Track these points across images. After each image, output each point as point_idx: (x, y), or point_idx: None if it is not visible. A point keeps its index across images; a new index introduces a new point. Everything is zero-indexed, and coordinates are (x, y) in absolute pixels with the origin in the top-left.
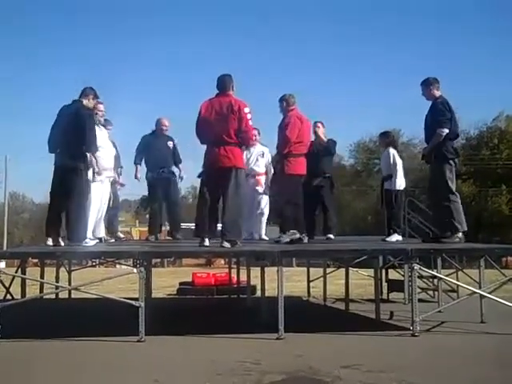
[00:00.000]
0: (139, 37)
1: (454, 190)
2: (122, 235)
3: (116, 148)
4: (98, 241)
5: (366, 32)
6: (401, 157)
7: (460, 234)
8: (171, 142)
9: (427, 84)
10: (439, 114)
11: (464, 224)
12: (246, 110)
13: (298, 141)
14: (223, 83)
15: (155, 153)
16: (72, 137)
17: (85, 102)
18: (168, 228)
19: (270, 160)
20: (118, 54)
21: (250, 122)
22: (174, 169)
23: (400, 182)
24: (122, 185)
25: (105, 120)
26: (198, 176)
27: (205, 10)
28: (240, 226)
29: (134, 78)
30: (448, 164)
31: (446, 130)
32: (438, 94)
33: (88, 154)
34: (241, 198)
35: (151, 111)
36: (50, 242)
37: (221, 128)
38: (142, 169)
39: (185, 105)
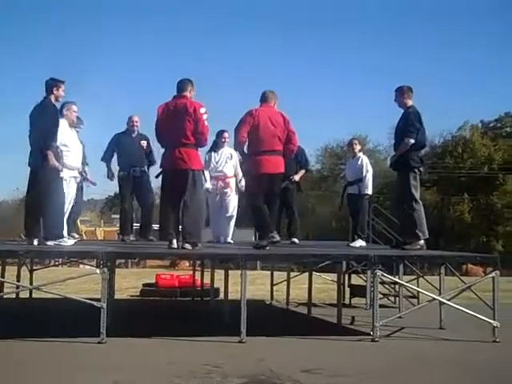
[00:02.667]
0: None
1: (417, 198)
2: (76, 235)
3: (83, 147)
4: (76, 240)
5: (342, 35)
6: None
7: (421, 242)
8: (145, 142)
9: (401, 92)
10: (408, 124)
11: (426, 232)
12: (202, 110)
13: (253, 138)
14: (181, 85)
15: (127, 151)
16: (37, 135)
17: (52, 97)
18: (138, 228)
19: (238, 162)
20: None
21: (206, 123)
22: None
23: (369, 188)
24: (93, 183)
25: (76, 118)
26: (156, 176)
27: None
28: (200, 228)
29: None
30: (413, 172)
31: (413, 140)
32: (410, 103)
33: (55, 151)
34: (200, 199)
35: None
36: (35, 241)
37: (176, 130)
38: (114, 167)
39: None
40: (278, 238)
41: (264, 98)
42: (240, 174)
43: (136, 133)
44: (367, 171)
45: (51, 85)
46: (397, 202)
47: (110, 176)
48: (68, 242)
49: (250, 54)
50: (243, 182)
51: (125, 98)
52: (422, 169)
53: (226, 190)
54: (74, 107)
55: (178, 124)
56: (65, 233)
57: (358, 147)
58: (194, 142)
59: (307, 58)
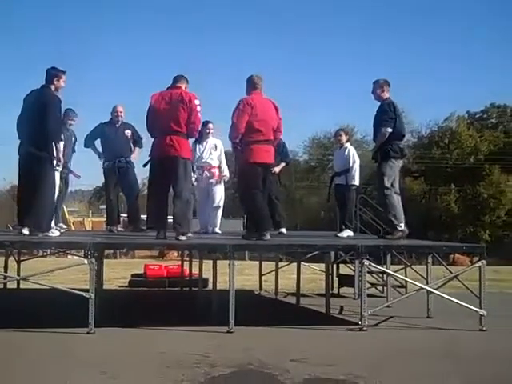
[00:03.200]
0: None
1: (388, 185)
2: (64, 226)
3: (75, 138)
4: (62, 231)
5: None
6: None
7: (402, 227)
8: (129, 131)
9: (379, 85)
10: (383, 114)
11: (401, 217)
12: (197, 101)
13: (250, 128)
14: (177, 78)
15: (111, 141)
16: (37, 124)
17: (52, 87)
18: (126, 219)
19: (223, 152)
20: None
21: (199, 115)
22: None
23: (357, 179)
24: (78, 176)
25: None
26: (144, 165)
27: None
28: (189, 218)
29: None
30: (390, 161)
31: (390, 129)
32: (386, 95)
33: (53, 143)
34: (189, 188)
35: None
36: (25, 231)
37: (170, 117)
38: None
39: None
40: (268, 237)
41: (253, 85)
42: (224, 164)
43: (120, 123)
44: (354, 162)
45: (52, 74)
46: (379, 194)
47: (101, 155)
48: (55, 233)
49: (237, 46)
50: (227, 172)
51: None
52: (400, 160)
53: (211, 180)
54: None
55: (171, 112)
56: (52, 224)
57: (344, 138)
58: (185, 131)
59: (295, 48)
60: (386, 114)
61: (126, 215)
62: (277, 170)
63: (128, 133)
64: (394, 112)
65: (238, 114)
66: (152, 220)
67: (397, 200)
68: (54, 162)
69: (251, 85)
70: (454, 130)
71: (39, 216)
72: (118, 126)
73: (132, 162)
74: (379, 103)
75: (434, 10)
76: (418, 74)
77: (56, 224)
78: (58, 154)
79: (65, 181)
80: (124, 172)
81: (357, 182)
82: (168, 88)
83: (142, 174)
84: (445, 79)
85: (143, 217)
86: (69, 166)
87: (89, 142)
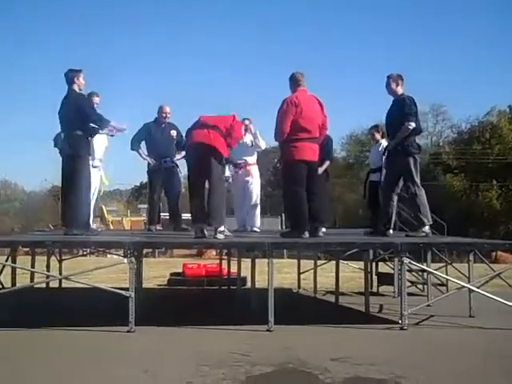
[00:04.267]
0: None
1: (419, 183)
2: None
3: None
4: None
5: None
6: None
7: (427, 228)
8: (174, 131)
9: (393, 79)
10: (407, 108)
11: (429, 216)
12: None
13: (296, 126)
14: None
15: (157, 142)
16: (70, 125)
17: (75, 87)
18: (166, 218)
19: (257, 133)
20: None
21: (242, 131)
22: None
23: None
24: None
25: (92, 93)
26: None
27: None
28: (222, 213)
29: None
30: (412, 158)
31: (413, 124)
32: (401, 90)
33: (89, 140)
34: (223, 182)
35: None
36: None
37: (215, 121)
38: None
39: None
40: (307, 236)
41: (297, 82)
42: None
43: (166, 123)
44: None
45: (71, 76)
46: (386, 189)
47: (148, 158)
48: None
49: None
50: (263, 144)
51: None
52: (417, 156)
53: (247, 178)
54: (97, 99)
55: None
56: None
57: (377, 135)
58: (225, 134)
59: (332, 45)
60: (410, 109)
61: (166, 214)
62: (320, 170)
63: (173, 133)
64: (415, 106)
65: (282, 114)
66: (197, 219)
67: (424, 197)
68: (91, 162)
69: (295, 82)
70: (494, 124)
71: (73, 216)
72: (163, 126)
73: (177, 163)
74: (394, 98)
75: (473, 8)
76: (458, 68)
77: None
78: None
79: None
80: (170, 172)
81: None
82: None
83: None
84: (485, 73)
85: (184, 216)
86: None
87: (135, 145)
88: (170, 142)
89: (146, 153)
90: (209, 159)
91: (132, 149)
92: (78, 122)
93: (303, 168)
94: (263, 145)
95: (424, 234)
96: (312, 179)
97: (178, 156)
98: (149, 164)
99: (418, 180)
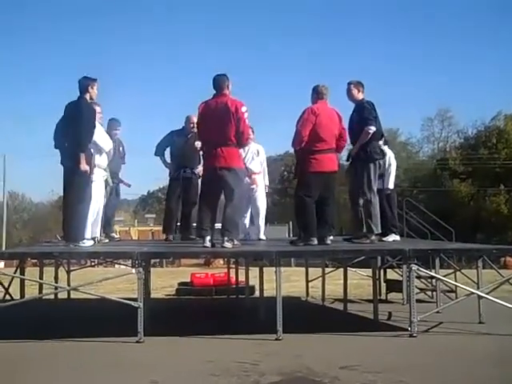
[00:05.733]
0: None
1: (375, 191)
2: (116, 235)
3: (123, 147)
4: (93, 241)
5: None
6: (399, 156)
7: (373, 237)
8: (199, 143)
9: (354, 85)
10: (366, 113)
11: (378, 225)
12: (243, 109)
13: (314, 137)
14: (218, 83)
15: (180, 151)
16: (70, 136)
17: (87, 96)
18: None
19: (265, 158)
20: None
21: (247, 121)
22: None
23: (391, 182)
24: (128, 185)
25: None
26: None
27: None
28: (238, 225)
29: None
30: (373, 164)
31: (373, 128)
32: (361, 96)
33: (87, 153)
34: (239, 197)
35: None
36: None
37: (218, 131)
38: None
39: None
40: (316, 242)
41: (320, 95)
42: (265, 172)
43: (192, 133)
44: (390, 165)
45: (85, 84)
46: (352, 195)
47: (169, 166)
48: (87, 243)
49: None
50: (267, 180)
51: None
52: (381, 161)
53: (253, 187)
54: (98, 108)
55: (219, 125)
56: (87, 234)
57: (380, 141)
58: (235, 141)
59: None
60: (370, 113)
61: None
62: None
63: (198, 144)
64: (375, 111)
65: (302, 122)
66: (200, 227)
67: (377, 207)
68: (91, 173)
69: (317, 94)
70: (501, 129)
71: (69, 227)
72: (189, 136)
73: (196, 174)
74: (355, 104)
75: (480, 12)
76: (464, 74)
77: (109, 233)
78: (88, 162)
79: (116, 191)
80: (188, 182)
81: (391, 185)
82: (213, 96)
83: None
84: (492, 78)
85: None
86: (119, 176)
87: (159, 151)
88: (193, 152)
89: (169, 161)
90: (226, 180)
91: (156, 154)
92: (83, 134)
93: (320, 179)
94: (267, 182)
95: (369, 242)
96: (328, 187)
97: (200, 167)
98: (169, 172)
99: (375, 187)
